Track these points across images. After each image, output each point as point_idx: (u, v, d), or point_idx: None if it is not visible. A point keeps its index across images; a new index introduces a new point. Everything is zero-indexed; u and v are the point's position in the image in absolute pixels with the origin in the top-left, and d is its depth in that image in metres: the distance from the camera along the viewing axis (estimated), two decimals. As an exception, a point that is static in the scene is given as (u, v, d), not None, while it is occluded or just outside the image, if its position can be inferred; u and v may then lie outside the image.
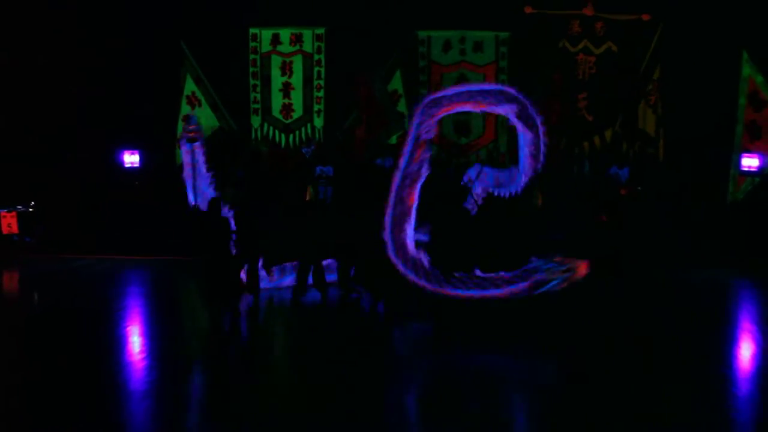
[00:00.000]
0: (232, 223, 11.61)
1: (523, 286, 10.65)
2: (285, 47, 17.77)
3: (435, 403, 7.68)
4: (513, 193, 12.13)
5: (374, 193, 12.15)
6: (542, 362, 9.01)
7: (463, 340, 9.96)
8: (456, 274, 10.89)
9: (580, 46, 17.53)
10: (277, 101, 17.86)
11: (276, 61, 17.80)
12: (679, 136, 17.29)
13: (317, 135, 17.76)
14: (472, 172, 12.74)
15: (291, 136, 17.87)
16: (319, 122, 17.87)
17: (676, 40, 17.03)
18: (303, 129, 17.86)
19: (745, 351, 9.80)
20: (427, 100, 11.40)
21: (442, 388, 8.13)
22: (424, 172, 11.16)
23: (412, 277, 10.86)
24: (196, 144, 12.37)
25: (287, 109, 17.84)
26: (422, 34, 17.74)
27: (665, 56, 17.35)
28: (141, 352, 9.37)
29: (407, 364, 9.16)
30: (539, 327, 10.39)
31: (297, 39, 17.74)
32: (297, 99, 17.83)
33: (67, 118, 17.55)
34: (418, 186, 11.19)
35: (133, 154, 17.34)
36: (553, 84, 17.17)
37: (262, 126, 17.83)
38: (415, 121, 11.27)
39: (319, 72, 17.79)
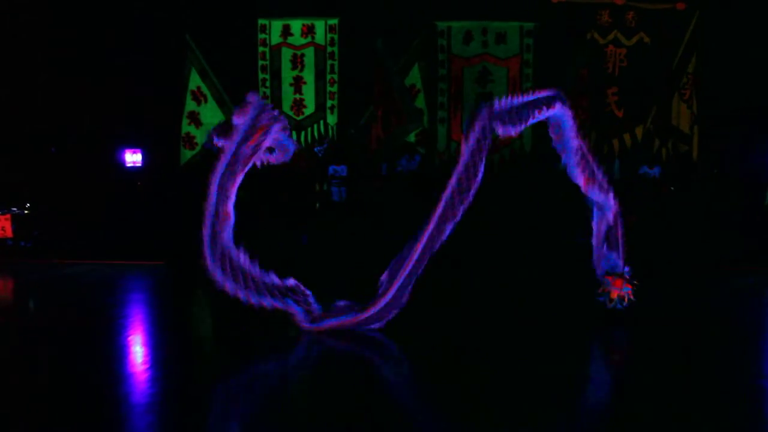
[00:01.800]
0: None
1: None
2: (296, 39, 16.84)
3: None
4: None
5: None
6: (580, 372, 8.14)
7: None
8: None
9: (610, 37, 16.63)
10: (287, 96, 16.91)
11: (286, 54, 16.86)
12: (714, 133, 16.46)
13: (330, 132, 16.89)
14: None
15: (302, 133, 16.89)
16: (332, 119, 16.92)
17: (712, 30, 16.17)
18: (315, 126, 16.93)
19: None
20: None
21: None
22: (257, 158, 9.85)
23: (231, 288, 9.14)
24: None
25: (298, 104, 16.90)
26: (442, 25, 16.80)
27: (701, 48, 16.49)
28: (143, 363, 8.57)
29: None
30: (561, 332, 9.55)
31: (309, 30, 16.82)
32: (309, 94, 16.90)
33: (64, 114, 16.64)
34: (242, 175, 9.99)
35: (135, 152, 16.67)
36: (581, 78, 16.36)
37: (271, 123, 16.88)
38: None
39: (332, 66, 16.88)
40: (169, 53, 16.43)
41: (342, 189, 15.69)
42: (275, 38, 16.83)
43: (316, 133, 16.88)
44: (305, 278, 9.40)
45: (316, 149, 16.46)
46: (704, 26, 16.39)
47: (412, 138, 16.25)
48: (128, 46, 16.33)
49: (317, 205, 15.54)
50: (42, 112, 16.66)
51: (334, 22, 16.78)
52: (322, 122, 16.92)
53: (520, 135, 16.34)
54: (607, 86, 16.70)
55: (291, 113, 16.85)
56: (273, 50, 16.86)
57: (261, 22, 16.80)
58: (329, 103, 16.87)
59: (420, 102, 16.62)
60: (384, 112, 15.45)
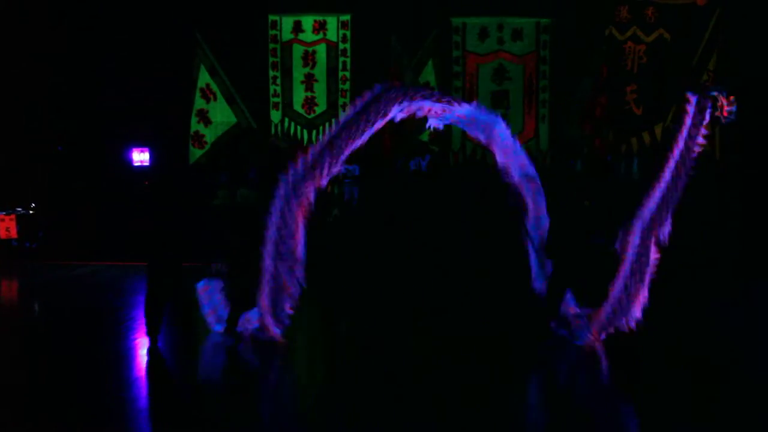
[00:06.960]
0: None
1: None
2: (307, 35, 16.55)
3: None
4: None
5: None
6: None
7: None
8: None
9: (629, 33, 16.27)
10: (298, 94, 16.62)
11: (298, 51, 16.56)
12: (736, 133, 15.96)
13: (342, 131, 16.56)
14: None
15: (314, 132, 16.59)
16: (344, 117, 16.60)
17: (733, 26, 15.81)
18: (327, 125, 16.52)
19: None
20: None
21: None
22: None
23: None
24: None
25: (310, 102, 16.60)
26: (456, 21, 16.50)
27: (722, 44, 16.09)
28: (149, 367, 8.33)
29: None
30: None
31: (320, 27, 16.52)
32: (320, 92, 16.61)
33: (70, 112, 16.38)
34: None
35: (142, 151, 16.38)
36: (599, 75, 16.02)
37: (282, 121, 16.60)
38: None
39: (344, 63, 16.57)
40: (178, 50, 16.18)
41: (354, 189, 15.39)
42: (286, 34, 16.53)
43: (328, 132, 16.56)
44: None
45: (327, 148, 16.14)
46: (725, 22, 16.00)
47: (425, 137, 15.94)
48: (137, 43, 16.05)
49: (334, 212, 15.26)
50: (48, 111, 16.39)
51: (346, 18, 16.50)
52: (334, 120, 16.49)
53: (536, 134, 16.27)
54: (626, 83, 16.36)
55: (302, 111, 16.57)
56: (284, 47, 16.57)
57: (272, 18, 16.53)
58: (341, 101, 16.54)
59: (434, 100, 16.28)
60: (397, 111, 15.12)
